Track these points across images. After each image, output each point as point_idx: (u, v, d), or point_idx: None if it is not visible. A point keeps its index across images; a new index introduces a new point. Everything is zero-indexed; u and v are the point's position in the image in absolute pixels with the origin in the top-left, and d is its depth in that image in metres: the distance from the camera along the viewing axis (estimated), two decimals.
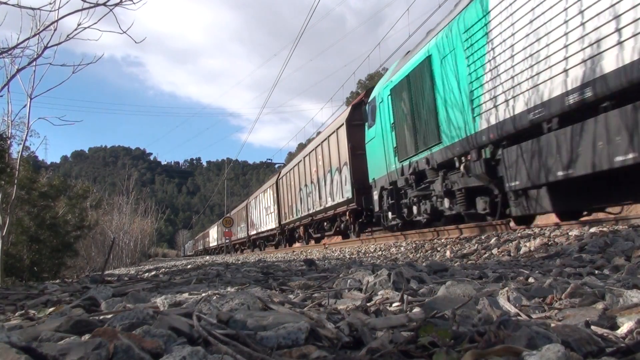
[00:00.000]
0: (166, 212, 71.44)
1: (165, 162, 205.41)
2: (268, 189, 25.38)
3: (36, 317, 1.76)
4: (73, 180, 29.19)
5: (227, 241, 34.11)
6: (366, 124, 11.63)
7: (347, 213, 13.78)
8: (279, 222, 22.49)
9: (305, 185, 17.90)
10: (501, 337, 0.99)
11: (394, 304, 1.65)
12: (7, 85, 7.53)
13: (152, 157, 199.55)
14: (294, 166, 19.71)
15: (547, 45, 5.33)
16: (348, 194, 13.17)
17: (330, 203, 14.92)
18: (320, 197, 16.04)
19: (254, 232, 29.44)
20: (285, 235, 22.71)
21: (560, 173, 5.22)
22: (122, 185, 42.98)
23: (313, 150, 16.99)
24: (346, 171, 13.31)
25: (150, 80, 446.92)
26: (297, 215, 19.38)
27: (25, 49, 6.49)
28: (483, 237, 6.31)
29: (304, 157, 18.18)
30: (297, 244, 22.02)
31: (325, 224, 17.19)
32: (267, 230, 25.58)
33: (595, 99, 4.70)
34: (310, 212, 17.31)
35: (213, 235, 49.44)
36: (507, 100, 6.15)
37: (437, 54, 7.93)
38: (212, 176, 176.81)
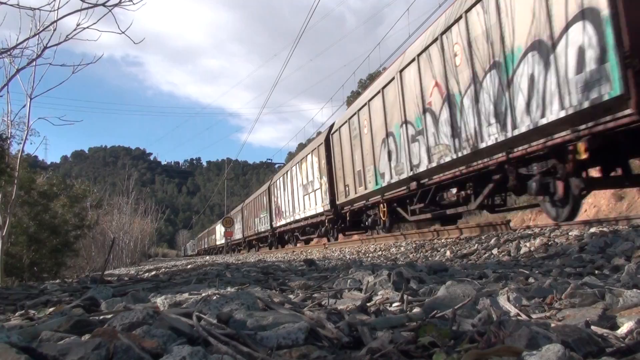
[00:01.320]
0: (166, 212, 71.12)
1: (165, 162, 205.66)
2: (309, 156, 16.90)
3: (36, 317, 1.76)
4: (73, 180, 29.13)
5: (227, 241, 33.09)
6: None
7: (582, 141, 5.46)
8: (331, 202, 14.57)
9: (404, 123, 9.35)
10: (501, 337, 0.99)
11: (394, 304, 1.65)
12: (6, 85, 7.53)
13: (152, 157, 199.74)
14: (373, 97, 11.01)
15: None
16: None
17: (493, 138, 6.72)
18: (456, 133, 7.61)
19: (282, 222, 21.40)
20: (343, 222, 14.75)
21: None
22: (122, 185, 42.99)
23: (448, 30, 7.71)
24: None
25: (150, 80, 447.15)
26: (374, 185, 11.16)
27: (25, 49, 6.49)
28: (483, 237, 6.31)
29: (409, 65, 9.03)
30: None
31: (464, 190, 8.42)
32: (306, 218, 17.49)
33: None
34: (418, 171, 8.92)
35: (221, 232, 39.91)
36: None
37: None
38: (212, 176, 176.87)
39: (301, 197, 18.16)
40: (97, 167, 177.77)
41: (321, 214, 15.99)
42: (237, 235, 34.03)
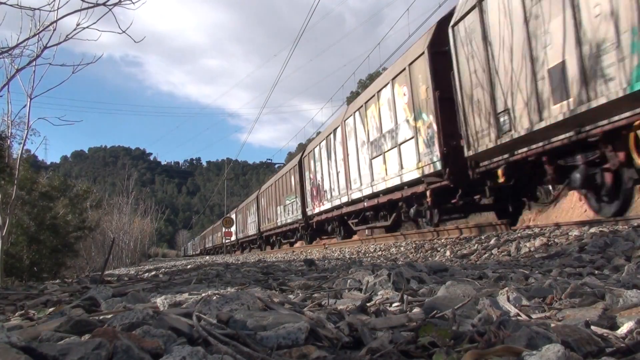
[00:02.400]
0: (166, 212, 70.90)
1: (165, 162, 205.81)
2: (385, 91, 10.36)
3: (36, 317, 1.76)
4: (73, 181, 29.08)
5: (226, 241, 31.97)
6: None
7: None
8: (446, 156, 8.23)
9: None
10: (501, 337, 0.99)
11: (394, 304, 1.65)
12: (7, 85, 7.51)
13: (152, 157, 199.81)
14: None
15: None
16: None
17: None
18: None
19: (324, 206, 14.87)
20: (476, 191, 8.40)
21: None
22: (122, 185, 42.95)
23: None
24: None
25: (149, 80, 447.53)
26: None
27: (25, 49, 6.47)
28: (483, 238, 6.31)
29: None
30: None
31: None
32: (376, 195, 11.12)
33: None
34: None
35: (230, 228, 34.62)
36: None
37: None
38: (212, 176, 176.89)
39: (365, 162, 11.53)
40: (97, 167, 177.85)
41: (415, 183, 9.23)
42: (251, 230, 28.01)
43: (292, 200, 18.94)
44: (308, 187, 17.10)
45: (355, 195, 12.41)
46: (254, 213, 27.14)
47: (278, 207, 21.33)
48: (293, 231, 19.91)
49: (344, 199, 13.34)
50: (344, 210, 13.62)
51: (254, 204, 27.33)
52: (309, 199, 17.04)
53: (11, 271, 16.55)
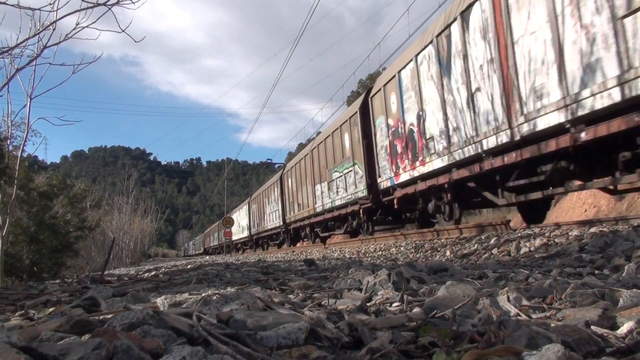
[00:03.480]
0: (166, 212, 70.85)
1: (165, 162, 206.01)
2: None
3: (36, 317, 1.76)
4: (73, 180, 29.07)
5: (227, 241, 31.74)
6: None
7: None
8: None
9: None
10: (501, 337, 0.99)
11: (394, 304, 1.66)
12: (6, 85, 7.52)
13: (152, 157, 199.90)
14: None
15: None
16: None
17: None
18: None
19: (427, 167, 8.45)
20: None
21: None
22: (122, 185, 43.00)
23: None
24: None
25: (148, 79, 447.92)
26: None
27: (25, 49, 6.48)
28: (483, 237, 6.31)
29: None
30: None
31: None
32: None
33: None
34: None
35: (240, 223, 29.26)
36: None
37: None
38: (212, 176, 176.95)
39: (584, 39, 4.96)
40: (97, 167, 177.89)
41: None
42: (271, 222, 21.85)
43: (345, 171, 12.33)
44: (382, 142, 10.48)
45: (537, 124, 5.81)
46: (275, 200, 20.75)
47: (317, 186, 14.83)
48: (343, 219, 13.18)
49: (491, 142, 6.73)
50: (482, 166, 7.07)
51: (275, 188, 20.74)
52: (383, 162, 10.48)
53: (11, 271, 16.55)
